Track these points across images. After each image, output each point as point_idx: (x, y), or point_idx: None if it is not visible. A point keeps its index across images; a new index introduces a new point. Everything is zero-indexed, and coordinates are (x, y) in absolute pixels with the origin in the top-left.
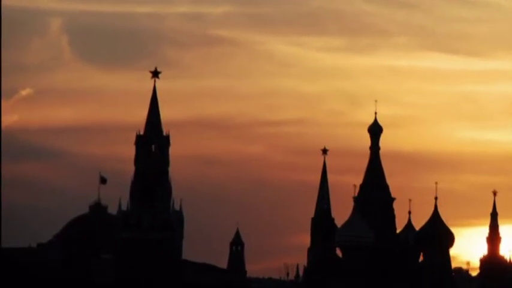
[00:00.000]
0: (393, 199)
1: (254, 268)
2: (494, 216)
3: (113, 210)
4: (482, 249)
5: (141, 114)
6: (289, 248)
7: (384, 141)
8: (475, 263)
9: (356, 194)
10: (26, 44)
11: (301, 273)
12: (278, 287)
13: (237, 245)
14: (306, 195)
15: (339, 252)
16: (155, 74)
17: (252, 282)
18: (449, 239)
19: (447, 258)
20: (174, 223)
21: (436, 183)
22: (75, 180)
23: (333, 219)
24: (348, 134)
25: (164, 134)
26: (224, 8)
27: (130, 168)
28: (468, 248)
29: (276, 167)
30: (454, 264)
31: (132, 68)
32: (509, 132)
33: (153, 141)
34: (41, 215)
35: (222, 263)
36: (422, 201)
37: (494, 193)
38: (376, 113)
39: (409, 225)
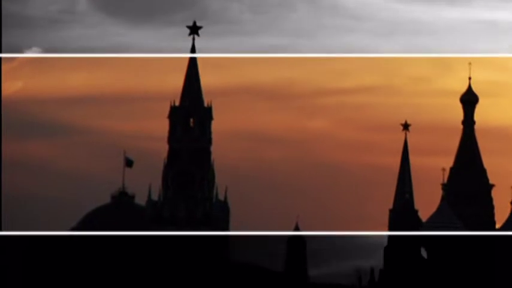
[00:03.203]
0: (492, 186)
1: (318, 272)
2: None
3: (141, 200)
4: None
5: (176, 81)
6: (362, 247)
7: (480, 113)
8: None
9: (445, 180)
10: None
11: (376, 278)
12: None
13: (296, 243)
14: (383, 181)
15: (423, 252)
16: (194, 29)
17: None
18: None
19: None
20: (217, 216)
21: None
22: (94, 163)
23: (416, 212)
24: (434, 105)
25: (205, 105)
26: None
27: (163, 148)
28: None
29: (344, 146)
30: None
31: (165, 23)
32: None
33: (191, 114)
34: (51, 206)
35: (278, 265)
36: None
37: None
38: (470, 79)
39: (511, 218)
